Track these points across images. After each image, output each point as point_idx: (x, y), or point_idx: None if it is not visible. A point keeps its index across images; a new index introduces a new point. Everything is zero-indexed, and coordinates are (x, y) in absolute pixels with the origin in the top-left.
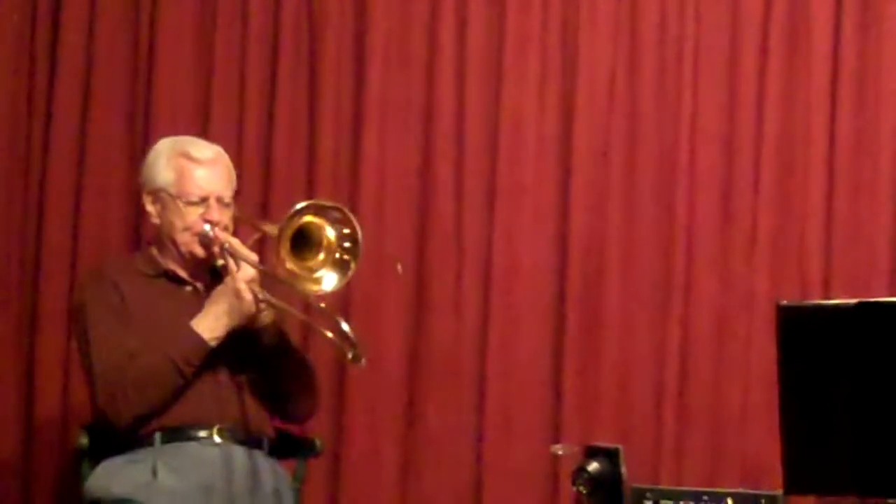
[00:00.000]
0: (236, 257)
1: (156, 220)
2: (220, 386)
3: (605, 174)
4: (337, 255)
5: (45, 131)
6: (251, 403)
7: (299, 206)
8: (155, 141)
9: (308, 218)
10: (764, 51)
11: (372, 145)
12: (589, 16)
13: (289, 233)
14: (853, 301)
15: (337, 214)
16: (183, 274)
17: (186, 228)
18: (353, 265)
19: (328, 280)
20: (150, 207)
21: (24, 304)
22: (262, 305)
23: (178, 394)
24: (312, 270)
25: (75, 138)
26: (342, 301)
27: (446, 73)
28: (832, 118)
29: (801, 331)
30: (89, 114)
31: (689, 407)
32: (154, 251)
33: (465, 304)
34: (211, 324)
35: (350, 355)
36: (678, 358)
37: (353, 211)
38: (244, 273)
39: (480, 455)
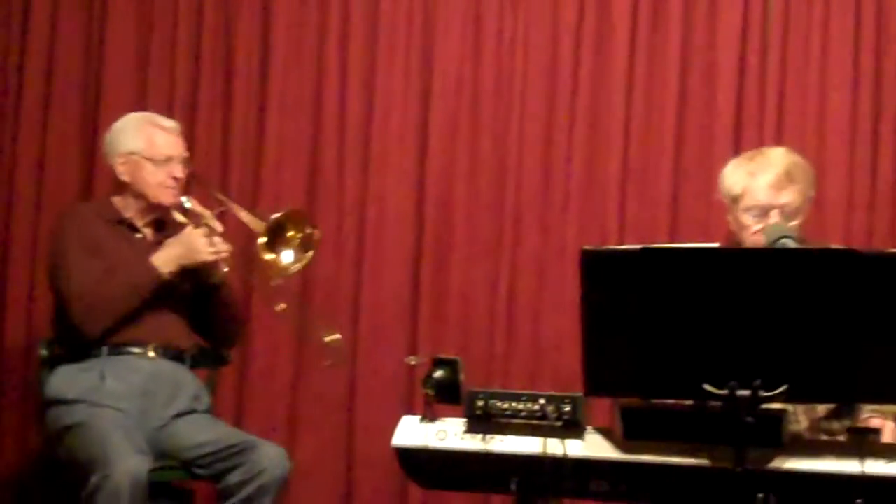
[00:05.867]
0: (208, 225)
1: (126, 178)
2: (158, 313)
3: (454, 150)
4: (297, 250)
5: (14, 116)
6: (181, 328)
7: (278, 214)
8: (103, 117)
9: (282, 221)
10: (577, 56)
11: (273, 125)
12: (443, 25)
13: (266, 229)
14: (639, 246)
15: (300, 219)
16: (138, 223)
17: (159, 183)
18: (308, 256)
19: (286, 261)
20: (120, 168)
21: None
22: (219, 261)
23: (136, 311)
24: (279, 261)
25: (40, 116)
26: (247, 245)
27: (332, 69)
28: (627, 114)
29: (600, 269)
30: (52, 93)
31: (515, 329)
32: (117, 202)
33: (344, 248)
34: (165, 260)
35: (328, 364)
36: (507, 291)
37: (257, 177)
38: (211, 238)
39: (354, 365)
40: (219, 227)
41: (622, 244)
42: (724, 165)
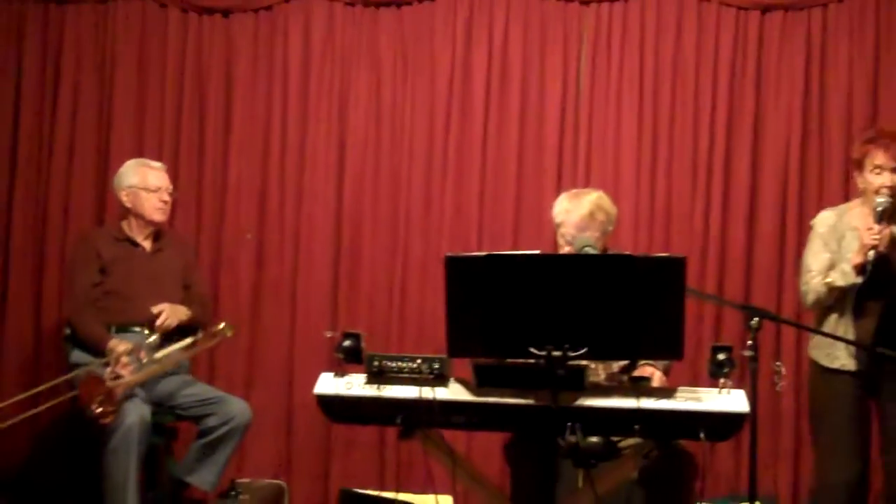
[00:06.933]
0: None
1: (129, 205)
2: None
3: (362, 185)
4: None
5: (48, 159)
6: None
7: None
8: (112, 159)
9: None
10: (447, 118)
11: (234, 169)
12: (353, 98)
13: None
14: (484, 253)
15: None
16: (139, 239)
17: (152, 206)
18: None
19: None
20: (124, 199)
21: (36, 252)
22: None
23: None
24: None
25: (65, 162)
26: (216, 255)
27: (275, 129)
28: (483, 157)
29: (458, 269)
30: (75, 144)
31: (405, 312)
32: (123, 224)
33: (284, 255)
34: (115, 345)
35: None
36: (400, 284)
37: (222, 205)
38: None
39: (293, 337)
40: (126, 380)
41: (480, 251)
42: (550, 195)
